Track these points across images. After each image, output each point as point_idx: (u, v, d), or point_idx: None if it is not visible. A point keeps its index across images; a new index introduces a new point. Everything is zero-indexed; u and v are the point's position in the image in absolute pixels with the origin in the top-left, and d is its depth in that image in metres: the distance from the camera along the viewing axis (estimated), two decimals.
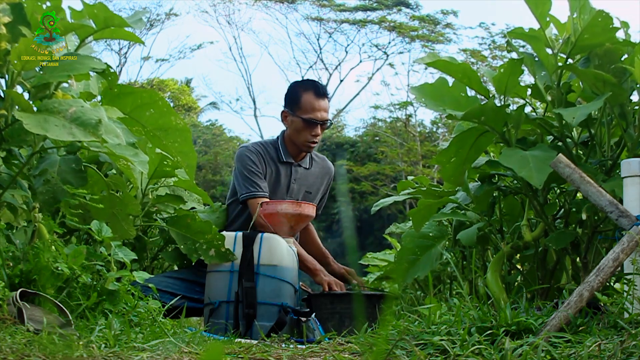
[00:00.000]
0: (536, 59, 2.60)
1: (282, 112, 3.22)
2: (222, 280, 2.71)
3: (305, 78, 3.44)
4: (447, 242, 3.10)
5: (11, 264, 2.09)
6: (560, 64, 2.53)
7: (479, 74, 2.59)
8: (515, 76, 2.50)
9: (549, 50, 2.53)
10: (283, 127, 3.27)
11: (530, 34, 2.52)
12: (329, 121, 3.19)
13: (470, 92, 2.64)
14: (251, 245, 2.71)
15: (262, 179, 3.10)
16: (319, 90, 3.18)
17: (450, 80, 2.61)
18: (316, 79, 3.49)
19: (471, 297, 2.34)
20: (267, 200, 3.01)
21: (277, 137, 3.26)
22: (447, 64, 2.57)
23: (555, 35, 2.55)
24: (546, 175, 2.26)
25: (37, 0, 2.08)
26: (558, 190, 2.75)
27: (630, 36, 2.49)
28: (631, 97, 2.50)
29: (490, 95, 2.59)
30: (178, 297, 2.70)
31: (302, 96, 3.16)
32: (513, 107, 2.61)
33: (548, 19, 2.49)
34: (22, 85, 2.09)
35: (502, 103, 2.54)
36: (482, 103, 2.54)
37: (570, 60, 2.53)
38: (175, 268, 3.32)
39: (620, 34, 2.43)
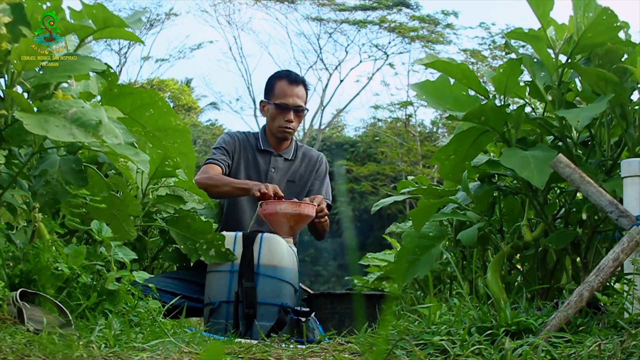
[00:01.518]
0: (535, 59, 2.60)
1: (260, 102, 3.37)
2: (222, 280, 2.71)
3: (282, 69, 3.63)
4: (447, 242, 3.10)
5: (11, 264, 2.09)
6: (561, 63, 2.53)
7: (478, 74, 2.59)
8: (514, 76, 2.50)
9: (550, 51, 2.53)
10: None
11: (530, 33, 2.52)
12: (302, 108, 3.26)
13: (472, 91, 2.64)
14: (251, 245, 2.71)
15: (225, 155, 3.25)
16: (291, 77, 3.29)
17: (452, 78, 2.62)
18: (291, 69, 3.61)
19: (471, 297, 2.34)
20: (220, 170, 3.18)
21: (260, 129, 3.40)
22: (445, 65, 2.58)
23: (556, 35, 2.55)
24: (548, 176, 2.26)
25: (38, 1, 2.08)
26: (558, 190, 2.75)
27: (631, 36, 2.49)
28: (631, 97, 2.50)
29: (490, 96, 2.59)
30: (178, 297, 2.70)
31: (276, 84, 3.29)
32: (513, 107, 2.61)
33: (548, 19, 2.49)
34: (22, 85, 2.08)
35: (502, 103, 2.54)
36: (482, 103, 2.54)
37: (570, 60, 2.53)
38: (175, 268, 3.32)
39: (620, 34, 2.43)
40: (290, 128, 3.25)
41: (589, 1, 2.39)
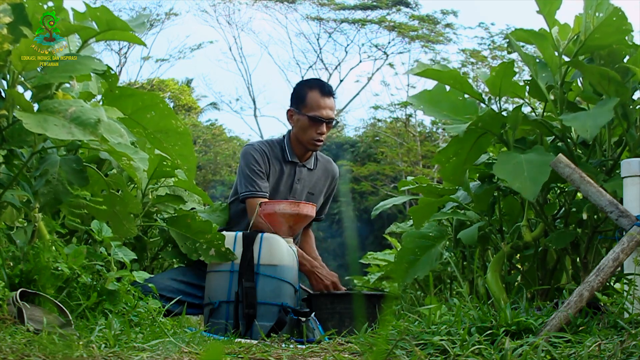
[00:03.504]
0: (537, 59, 2.60)
1: (288, 110, 3.23)
2: (222, 280, 2.71)
3: (311, 77, 3.52)
4: (447, 242, 3.11)
5: (11, 264, 2.10)
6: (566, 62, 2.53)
7: (476, 76, 2.60)
8: (508, 78, 2.50)
9: (554, 51, 2.53)
10: (283, 128, 3.32)
11: (536, 33, 2.51)
12: (334, 120, 3.21)
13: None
14: (251, 245, 2.71)
15: (263, 179, 3.10)
16: (324, 89, 3.20)
17: (446, 85, 2.62)
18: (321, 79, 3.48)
19: (471, 297, 2.34)
20: (266, 200, 3.01)
21: (284, 137, 3.26)
22: (437, 73, 2.57)
23: (559, 36, 2.55)
24: (540, 186, 2.24)
25: (39, 1, 2.08)
26: (558, 190, 2.75)
27: (633, 37, 2.49)
28: (633, 97, 2.50)
29: (486, 98, 2.60)
30: (178, 298, 2.70)
31: (308, 94, 3.18)
32: (512, 107, 2.61)
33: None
34: (24, 85, 2.09)
35: (497, 104, 2.55)
36: (480, 108, 2.55)
37: None
38: (175, 267, 3.32)
39: None
40: (321, 140, 3.20)
41: (601, 0, 2.36)
